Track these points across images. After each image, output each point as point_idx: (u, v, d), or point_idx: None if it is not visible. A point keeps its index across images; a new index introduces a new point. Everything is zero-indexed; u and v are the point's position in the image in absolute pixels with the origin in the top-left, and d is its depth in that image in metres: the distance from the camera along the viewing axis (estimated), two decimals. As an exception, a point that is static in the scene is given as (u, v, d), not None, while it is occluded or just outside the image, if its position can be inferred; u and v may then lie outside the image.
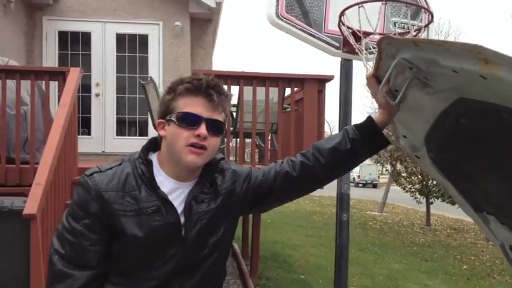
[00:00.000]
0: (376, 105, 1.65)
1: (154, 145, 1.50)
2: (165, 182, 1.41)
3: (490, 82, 0.99)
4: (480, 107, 1.13)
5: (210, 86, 1.39)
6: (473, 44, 1.00)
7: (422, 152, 1.61)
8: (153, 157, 1.47)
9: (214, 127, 1.40)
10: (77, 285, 1.34)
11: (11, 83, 5.05)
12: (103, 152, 7.44)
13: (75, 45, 7.59)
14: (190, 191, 1.43)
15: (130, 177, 1.40)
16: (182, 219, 1.39)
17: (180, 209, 1.39)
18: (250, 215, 7.12)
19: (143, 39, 7.68)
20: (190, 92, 1.39)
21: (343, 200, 4.10)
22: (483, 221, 1.62)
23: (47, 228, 3.92)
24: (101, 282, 1.39)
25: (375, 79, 1.48)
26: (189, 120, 1.37)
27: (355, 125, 1.54)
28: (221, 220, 1.46)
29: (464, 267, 8.90)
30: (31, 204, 3.67)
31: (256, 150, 5.92)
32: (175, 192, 1.41)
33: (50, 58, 7.40)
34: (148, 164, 1.42)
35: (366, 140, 1.50)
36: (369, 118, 1.53)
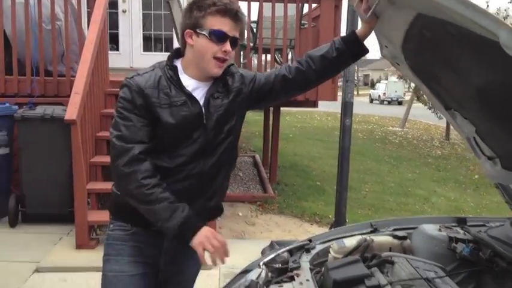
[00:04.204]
0: None
1: (178, 53, 1.84)
2: (188, 83, 1.77)
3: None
4: (433, 21, 1.40)
5: (236, 9, 1.75)
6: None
7: (401, 59, 1.89)
8: (178, 63, 1.82)
9: (235, 43, 1.76)
10: (137, 152, 1.68)
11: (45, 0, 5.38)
12: (131, 67, 7.84)
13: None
14: (208, 90, 1.79)
15: (162, 79, 1.75)
16: (203, 111, 1.77)
17: (201, 103, 1.77)
18: (270, 130, 7.61)
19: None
20: (221, 13, 1.72)
21: (346, 107, 4.52)
22: (451, 117, 1.93)
23: (84, 134, 4.46)
24: (150, 155, 1.73)
25: None
26: (219, 37, 1.71)
27: (341, 37, 1.88)
28: (233, 112, 1.84)
29: (476, 176, 9.27)
30: (71, 111, 4.20)
31: (276, 67, 6.25)
32: (197, 90, 1.78)
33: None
34: (175, 69, 1.78)
35: (349, 48, 1.84)
36: (352, 31, 1.88)
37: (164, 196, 1.67)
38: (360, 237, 1.89)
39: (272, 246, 4.95)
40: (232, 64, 1.92)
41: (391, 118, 20.87)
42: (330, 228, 4.64)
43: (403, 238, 1.92)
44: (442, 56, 1.59)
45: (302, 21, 6.03)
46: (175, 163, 1.75)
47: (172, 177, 1.75)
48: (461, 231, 1.93)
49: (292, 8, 5.87)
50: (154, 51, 8.14)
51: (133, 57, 7.90)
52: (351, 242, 1.85)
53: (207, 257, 1.67)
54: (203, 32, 1.72)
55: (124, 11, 7.82)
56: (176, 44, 7.08)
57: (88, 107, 4.63)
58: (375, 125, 18.10)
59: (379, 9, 1.72)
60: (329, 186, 7.25)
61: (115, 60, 7.20)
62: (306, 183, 7.52)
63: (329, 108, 13.56)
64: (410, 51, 1.80)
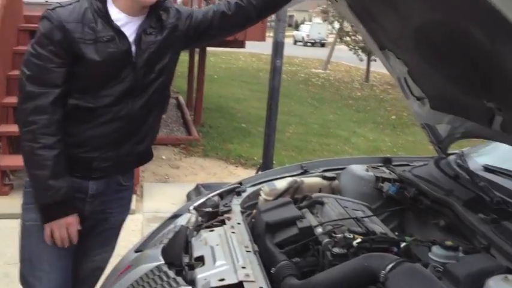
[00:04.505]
0: None
1: None
2: (117, 16, 1.62)
3: None
4: None
5: None
6: None
7: None
8: None
9: None
10: (47, 101, 1.56)
11: None
12: (46, 1, 7.17)
13: None
14: (140, 25, 1.65)
15: (88, 11, 1.59)
16: (133, 48, 1.63)
17: (131, 39, 1.63)
18: (195, 71, 7.40)
19: None
20: None
21: (278, 47, 4.42)
22: (385, 57, 1.95)
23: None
24: (64, 101, 1.62)
25: None
26: None
27: None
28: (166, 50, 1.71)
29: (393, 117, 9.74)
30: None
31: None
32: (127, 25, 1.64)
33: None
34: (103, 1, 1.62)
35: None
36: None
37: (49, 164, 1.58)
38: (290, 179, 1.90)
39: (198, 189, 4.93)
40: None
41: (314, 60, 21.15)
42: (258, 170, 4.67)
43: (332, 179, 1.96)
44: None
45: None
46: (100, 103, 1.63)
47: (97, 119, 1.64)
48: (387, 171, 1.99)
49: None
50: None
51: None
52: (281, 184, 1.85)
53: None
54: None
55: None
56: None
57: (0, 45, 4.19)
58: (298, 66, 18.27)
59: None
60: (254, 128, 7.31)
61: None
62: (231, 125, 7.50)
63: (254, 48, 13.44)
64: None
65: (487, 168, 1.76)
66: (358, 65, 17.17)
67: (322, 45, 34.21)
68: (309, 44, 34.95)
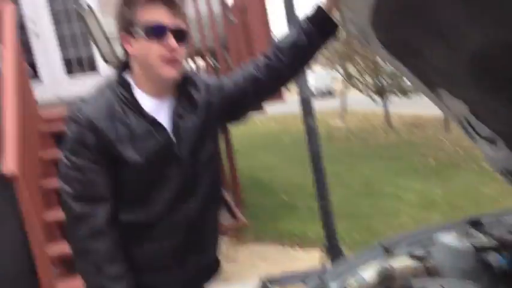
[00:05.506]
0: None
1: (126, 66, 1.48)
2: (146, 102, 1.42)
3: None
4: None
5: None
6: None
7: (371, 36, 1.56)
8: (128, 77, 1.46)
9: (181, 36, 1.40)
10: (101, 221, 1.36)
11: None
12: (57, 96, 6.90)
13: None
14: (174, 110, 1.45)
15: (115, 103, 1.39)
16: (173, 138, 1.42)
17: (168, 128, 1.43)
18: (223, 146, 6.98)
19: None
20: (150, 1, 1.37)
21: (306, 105, 3.90)
22: (437, 97, 1.64)
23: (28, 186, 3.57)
24: (115, 215, 1.40)
25: None
26: (157, 31, 1.37)
27: (307, 18, 1.60)
28: (207, 132, 1.51)
29: (431, 161, 9.22)
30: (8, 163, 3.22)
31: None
32: (159, 113, 1.44)
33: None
34: (128, 87, 1.42)
35: (319, 29, 1.57)
36: (318, 7, 1.58)
37: None
38: (377, 266, 1.62)
39: (265, 286, 4.31)
40: (191, 71, 1.54)
41: (328, 112, 20.82)
42: (326, 253, 4.08)
43: (423, 258, 1.65)
44: (425, 22, 1.27)
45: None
46: (152, 213, 1.42)
47: (151, 234, 1.43)
48: (484, 237, 1.63)
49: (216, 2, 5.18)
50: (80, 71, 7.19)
51: (57, 84, 6.95)
52: (370, 275, 1.59)
53: None
54: (138, 31, 1.39)
55: (37, 35, 6.81)
56: (101, 63, 6.24)
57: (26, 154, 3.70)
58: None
59: None
60: (296, 200, 6.84)
61: (38, 90, 6.30)
62: (272, 200, 7.07)
63: (268, 110, 13.18)
64: (383, 24, 1.45)
65: None
66: (373, 108, 16.81)
67: (330, 93, 33.82)
68: (318, 97, 34.13)
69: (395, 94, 13.32)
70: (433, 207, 6.51)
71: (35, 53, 6.83)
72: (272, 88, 1.64)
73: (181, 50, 1.41)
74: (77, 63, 7.20)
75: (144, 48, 1.38)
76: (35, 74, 6.91)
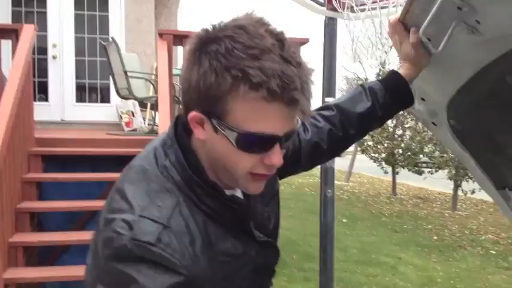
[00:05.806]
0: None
1: (186, 131, 0.98)
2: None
3: None
4: None
5: (302, 82, 0.85)
6: None
7: (442, 119, 1.41)
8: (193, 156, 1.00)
9: (288, 140, 0.93)
10: None
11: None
12: (62, 120, 6.84)
13: (29, 2, 6.85)
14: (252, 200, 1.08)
15: (199, 217, 0.94)
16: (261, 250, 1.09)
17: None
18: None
19: (103, -3, 7.03)
20: (270, 97, 0.83)
21: (327, 174, 3.77)
22: (504, 198, 1.47)
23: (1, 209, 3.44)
24: None
25: (401, 25, 1.25)
26: (259, 145, 0.89)
27: (384, 86, 1.32)
28: (272, 211, 1.20)
29: (435, 238, 8.90)
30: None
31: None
32: None
33: (2, 16, 6.63)
34: (214, 186, 0.96)
35: (397, 102, 1.33)
36: (397, 75, 1.30)
37: None
38: None
39: None
40: None
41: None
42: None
43: None
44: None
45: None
46: None
47: None
48: None
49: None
50: (89, 101, 7.18)
51: (64, 108, 6.91)
52: None
53: None
54: (225, 131, 0.87)
55: (54, 57, 6.86)
56: (114, 94, 6.18)
57: (6, 176, 3.60)
58: (319, 178, 17.71)
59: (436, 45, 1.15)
60: (288, 256, 6.63)
61: (44, 112, 6.26)
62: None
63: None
64: (463, 108, 1.29)
65: None
66: (380, 176, 16.60)
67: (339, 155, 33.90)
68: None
69: (408, 169, 12.98)
70: (431, 286, 6.20)
71: (49, 76, 6.86)
72: (330, 156, 1.40)
73: (280, 161, 0.92)
74: (89, 92, 7.20)
75: (228, 154, 0.91)
76: (45, 96, 6.92)
